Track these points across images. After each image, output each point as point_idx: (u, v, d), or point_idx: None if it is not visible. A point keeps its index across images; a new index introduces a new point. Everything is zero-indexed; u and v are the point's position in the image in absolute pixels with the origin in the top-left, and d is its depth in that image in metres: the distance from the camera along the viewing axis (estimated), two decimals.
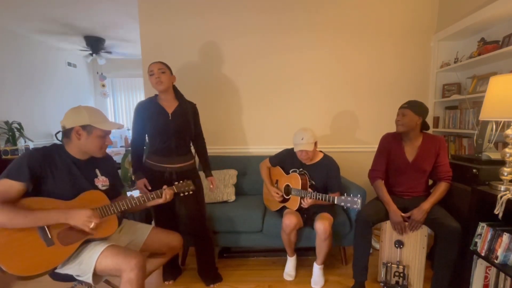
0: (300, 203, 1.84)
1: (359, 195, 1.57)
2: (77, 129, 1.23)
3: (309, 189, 1.86)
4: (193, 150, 1.94)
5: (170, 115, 1.75)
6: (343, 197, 1.62)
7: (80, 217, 1.15)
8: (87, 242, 1.25)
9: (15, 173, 1.13)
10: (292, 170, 1.99)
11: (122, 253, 1.19)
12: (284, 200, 2.00)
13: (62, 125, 1.26)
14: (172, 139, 1.75)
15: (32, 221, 1.10)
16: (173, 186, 1.51)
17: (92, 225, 1.17)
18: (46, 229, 1.15)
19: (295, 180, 1.90)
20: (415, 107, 1.72)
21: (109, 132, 1.33)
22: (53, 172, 1.21)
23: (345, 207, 1.66)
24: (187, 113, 1.80)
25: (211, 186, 1.95)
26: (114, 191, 1.45)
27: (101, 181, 1.37)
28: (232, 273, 2.05)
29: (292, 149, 2.02)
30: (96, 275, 1.20)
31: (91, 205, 1.24)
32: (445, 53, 2.55)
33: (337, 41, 2.61)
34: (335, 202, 1.65)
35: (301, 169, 1.96)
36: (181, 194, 1.55)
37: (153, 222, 1.91)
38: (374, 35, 2.59)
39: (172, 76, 1.76)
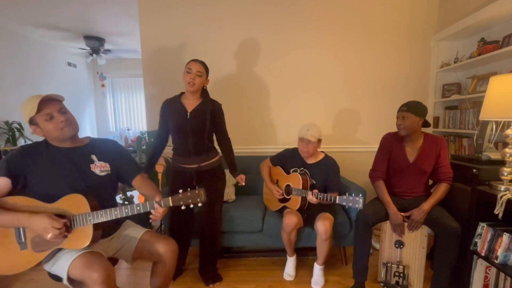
0: (302, 202, 1.84)
1: (360, 195, 1.57)
2: (30, 127, 1.22)
3: (310, 192, 1.82)
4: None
5: (188, 113, 1.73)
6: (344, 197, 1.61)
7: (39, 224, 1.10)
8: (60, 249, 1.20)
9: None
10: (293, 170, 1.99)
11: (87, 264, 1.11)
12: (285, 200, 2.00)
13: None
14: (189, 138, 1.73)
15: None
16: (169, 198, 1.22)
17: (49, 236, 1.11)
18: (21, 232, 1.15)
19: (296, 179, 1.90)
20: (415, 108, 1.71)
21: (49, 111, 1.19)
22: (34, 166, 1.19)
23: (346, 207, 1.66)
24: (206, 112, 1.74)
25: (242, 183, 1.91)
26: (123, 175, 1.39)
27: (99, 167, 1.30)
28: (232, 273, 2.05)
29: (294, 148, 2.03)
30: (71, 280, 1.16)
31: (72, 210, 1.18)
32: (445, 53, 2.55)
33: (337, 41, 2.61)
34: (337, 202, 1.64)
35: (302, 169, 1.96)
36: (183, 207, 1.22)
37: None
38: (374, 35, 2.59)
39: (206, 80, 1.75)
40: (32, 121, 1.20)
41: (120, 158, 1.39)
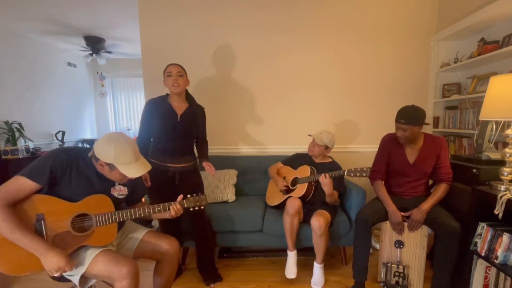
0: (308, 189, 1.95)
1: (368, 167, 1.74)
2: (101, 162, 1.21)
3: (322, 174, 1.90)
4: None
5: (179, 116, 1.77)
6: (352, 169, 1.78)
7: (52, 263, 1.09)
8: (81, 246, 1.23)
9: (36, 173, 1.12)
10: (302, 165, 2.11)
11: (114, 260, 1.16)
12: (289, 191, 2.06)
13: (93, 150, 1.23)
14: (178, 140, 1.78)
15: (14, 239, 1.07)
16: (184, 201, 1.41)
17: (56, 274, 1.11)
18: (43, 230, 1.14)
19: (304, 170, 2.04)
20: (414, 120, 1.67)
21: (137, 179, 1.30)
22: (71, 177, 1.19)
23: (354, 177, 1.79)
24: (196, 117, 1.85)
25: (209, 168, 1.87)
26: (133, 199, 1.45)
27: (118, 190, 1.34)
28: (232, 273, 2.05)
29: (303, 153, 2.21)
30: (83, 278, 1.18)
31: (94, 209, 1.22)
32: (445, 53, 2.55)
33: (336, 41, 2.61)
34: (346, 175, 1.81)
35: (311, 166, 2.06)
36: (191, 209, 1.43)
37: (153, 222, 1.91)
38: (374, 35, 2.59)
39: (187, 80, 1.80)
40: (109, 165, 1.21)
41: (137, 180, 1.44)
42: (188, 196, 1.42)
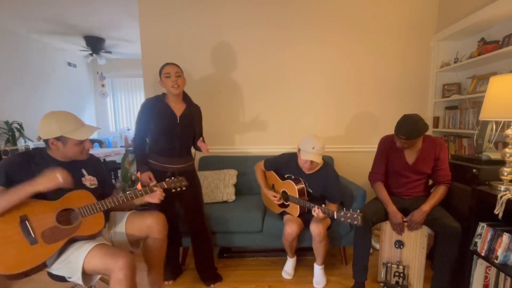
0: (301, 210, 1.84)
1: (358, 211, 1.54)
2: (52, 141, 1.23)
3: (317, 207, 1.70)
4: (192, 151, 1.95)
5: (178, 118, 1.76)
6: (342, 212, 1.57)
7: (45, 177, 1.14)
8: (73, 241, 1.25)
9: None
10: (287, 176, 1.95)
11: (110, 252, 1.18)
12: (284, 205, 1.98)
13: (39, 135, 1.26)
14: (177, 141, 1.78)
15: (6, 202, 1.11)
16: (163, 182, 1.48)
17: (60, 177, 1.15)
18: (29, 228, 1.16)
19: (290, 187, 1.87)
20: (415, 134, 1.62)
21: (88, 145, 1.32)
22: (34, 175, 1.19)
23: (345, 222, 1.60)
24: (194, 117, 1.85)
25: (203, 144, 1.82)
26: (104, 190, 1.46)
27: (89, 180, 1.38)
28: (232, 273, 2.05)
29: (290, 154, 1.97)
30: (86, 275, 1.20)
31: (77, 203, 1.26)
32: (445, 53, 2.55)
33: (336, 41, 2.60)
34: (335, 217, 1.59)
35: (297, 177, 1.89)
36: (173, 190, 1.52)
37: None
38: (374, 35, 2.59)
39: (185, 79, 1.78)
40: (60, 139, 1.23)
41: (102, 172, 1.48)
42: (167, 179, 1.50)
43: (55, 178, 1.14)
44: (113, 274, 1.15)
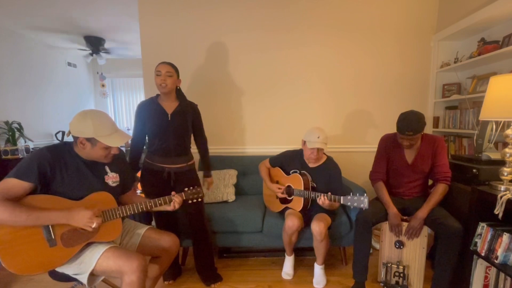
0: (305, 203, 1.85)
1: (365, 194, 1.57)
2: (81, 140, 1.21)
3: (322, 195, 1.75)
4: (193, 151, 1.94)
5: (169, 115, 1.76)
6: (349, 197, 1.62)
7: (81, 218, 1.15)
8: (89, 244, 1.25)
9: (24, 173, 1.12)
10: (293, 171, 1.98)
11: (123, 255, 1.18)
12: (286, 201, 1.99)
13: (69, 130, 1.25)
14: (170, 140, 1.77)
15: (33, 220, 1.09)
16: (182, 193, 1.48)
17: (94, 225, 1.16)
18: (51, 229, 1.15)
19: (297, 180, 1.89)
20: (420, 127, 1.64)
21: (115, 151, 1.30)
22: (62, 172, 1.20)
23: (351, 207, 1.65)
24: (186, 114, 1.82)
25: (209, 187, 2.00)
26: (125, 186, 1.46)
27: (111, 178, 1.36)
28: (232, 273, 2.05)
29: (294, 150, 2.03)
30: (92, 276, 1.20)
31: (98, 207, 1.23)
32: (445, 53, 2.55)
33: (336, 41, 2.61)
34: (342, 202, 1.64)
35: (302, 171, 1.94)
36: (189, 202, 1.51)
37: (153, 222, 1.91)
38: (374, 35, 2.59)
39: (178, 80, 1.78)
40: (90, 140, 1.21)
41: (125, 169, 1.46)
42: (186, 189, 1.51)
43: (90, 223, 1.15)
44: (126, 276, 1.15)
